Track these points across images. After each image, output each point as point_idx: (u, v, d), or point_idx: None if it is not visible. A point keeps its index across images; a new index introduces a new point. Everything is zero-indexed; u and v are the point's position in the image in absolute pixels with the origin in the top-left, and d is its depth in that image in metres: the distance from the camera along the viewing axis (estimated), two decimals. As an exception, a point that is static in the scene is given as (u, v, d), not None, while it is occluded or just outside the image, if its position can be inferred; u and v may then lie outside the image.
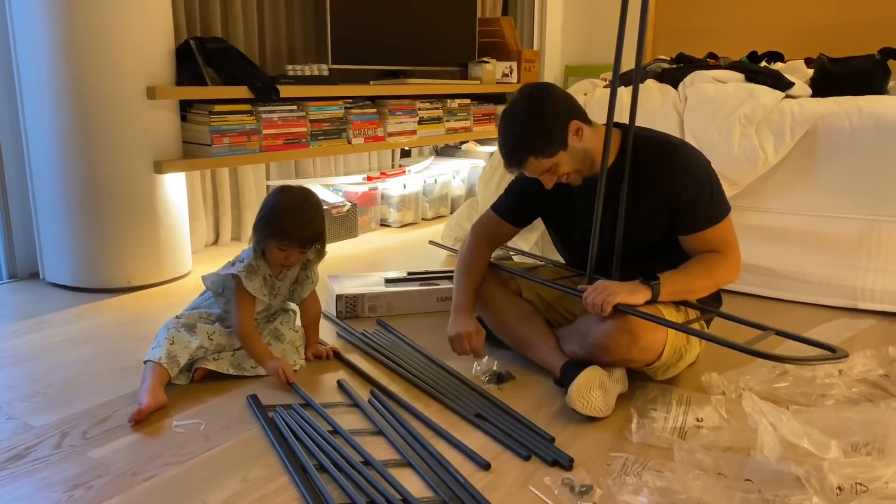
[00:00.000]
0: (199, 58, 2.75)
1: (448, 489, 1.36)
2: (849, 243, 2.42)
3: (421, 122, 3.64)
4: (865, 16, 4.13)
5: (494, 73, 4.09)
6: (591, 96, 2.82)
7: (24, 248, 2.77)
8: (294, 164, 3.60)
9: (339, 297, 2.35)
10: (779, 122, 2.47)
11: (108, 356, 2.02)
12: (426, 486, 1.38)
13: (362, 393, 1.79)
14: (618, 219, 1.76)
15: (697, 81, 2.66)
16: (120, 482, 1.40)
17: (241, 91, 2.82)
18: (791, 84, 2.60)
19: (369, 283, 2.46)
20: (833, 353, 1.49)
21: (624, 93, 2.57)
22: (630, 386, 1.76)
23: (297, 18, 3.47)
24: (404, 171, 3.94)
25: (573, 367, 1.70)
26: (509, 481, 1.41)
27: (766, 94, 2.51)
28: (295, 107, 3.05)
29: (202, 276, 1.96)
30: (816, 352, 1.51)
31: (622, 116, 1.84)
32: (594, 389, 1.63)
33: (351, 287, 2.40)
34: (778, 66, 3.08)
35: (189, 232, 2.83)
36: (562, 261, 2.11)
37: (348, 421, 1.64)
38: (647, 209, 1.75)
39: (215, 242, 3.31)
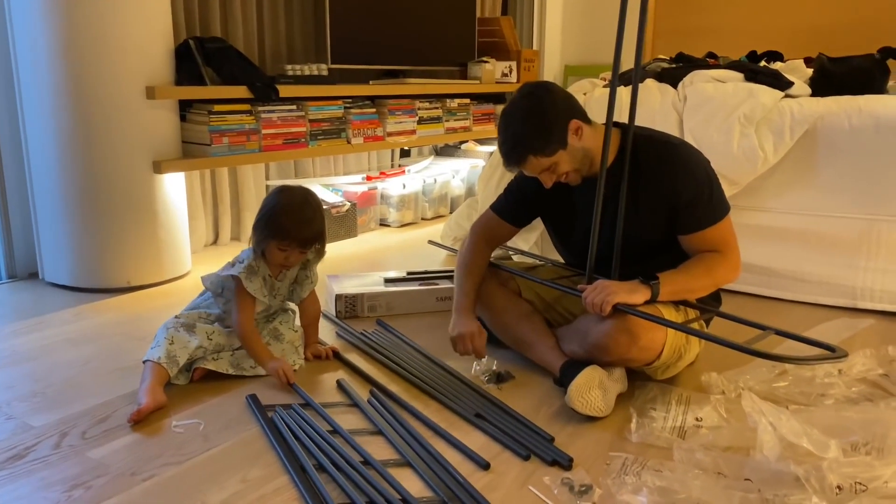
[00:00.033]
0: (199, 58, 2.75)
1: (447, 489, 1.36)
2: (848, 243, 2.42)
3: (420, 121, 3.64)
4: (865, 15, 4.13)
5: (494, 73, 4.09)
6: (591, 96, 2.82)
7: (23, 248, 2.77)
8: (293, 164, 3.60)
9: (338, 297, 2.34)
10: (778, 122, 2.47)
11: (107, 356, 2.02)
12: (425, 486, 1.38)
13: (362, 393, 1.79)
14: (617, 218, 1.76)
15: (697, 81, 2.66)
16: (119, 482, 1.40)
17: (241, 91, 2.82)
18: (790, 83, 2.60)
19: (369, 283, 2.45)
20: (832, 352, 1.49)
21: (623, 92, 2.57)
22: (629, 385, 1.76)
23: (296, 18, 3.47)
24: (404, 171, 3.94)
25: (572, 367, 1.70)
26: (509, 481, 1.41)
27: (766, 94, 2.51)
28: (294, 107, 3.05)
29: (201, 277, 1.95)
30: (816, 351, 1.51)
31: (621, 116, 1.84)
32: (593, 389, 1.63)
33: (350, 287, 2.40)
34: (777, 65, 3.08)
35: (188, 232, 2.83)
36: (561, 260, 2.11)
37: (348, 421, 1.64)
38: (647, 209, 1.75)
39: (215, 242, 3.31)
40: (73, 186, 2.50)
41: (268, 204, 1.85)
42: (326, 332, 2.19)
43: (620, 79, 2.26)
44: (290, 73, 3.14)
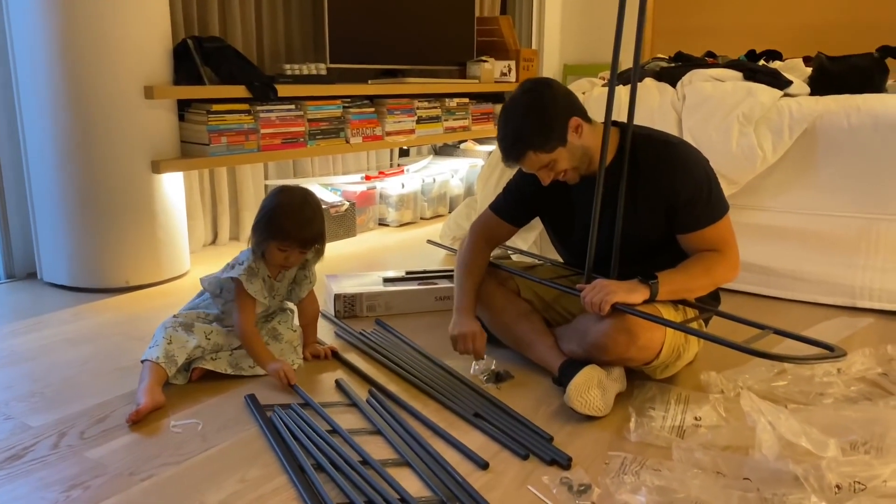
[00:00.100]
0: (197, 57, 2.75)
1: (446, 488, 1.36)
2: (847, 242, 2.42)
3: (419, 121, 3.63)
4: (863, 14, 4.14)
5: (493, 73, 4.09)
6: (590, 95, 2.82)
7: (21, 248, 2.77)
8: (292, 164, 3.60)
9: (337, 297, 2.34)
10: (777, 121, 2.47)
11: (105, 356, 2.02)
12: (424, 486, 1.38)
13: (360, 392, 1.79)
14: (616, 217, 1.76)
15: (696, 80, 2.66)
16: (117, 482, 1.40)
17: (239, 90, 2.82)
18: (789, 82, 2.60)
19: (367, 283, 2.45)
20: (831, 351, 1.48)
21: (622, 91, 2.57)
22: (628, 385, 1.76)
23: (294, 17, 3.47)
24: (403, 171, 3.93)
25: (571, 366, 1.70)
26: (507, 480, 1.41)
27: (765, 93, 2.51)
28: (293, 106, 3.05)
29: (200, 279, 1.95)
30: (815, 350, 1.51)
31: (620, 115, 1.83)
32: (592, 388, 1.63)
33: (349, 286, 2.40)
34: (776, 64, 3.08)
35: (187, 232, 2.83)
36: (560, 260, 2.10)
37: (346, 420, 1.64)
38: (646, 208, 1.75)
39: (213, 242, 3.31)
40: (71, 186, 2.50)
41: (267, 205, 1.85)
42: (325, 332, 2.19)
43: (619, 78, 2.26)
44: (289, 72, 3.13)
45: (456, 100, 3.88)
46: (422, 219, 3.92)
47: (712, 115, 2.53)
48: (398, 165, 4.15)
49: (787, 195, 2.51)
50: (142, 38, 2.50)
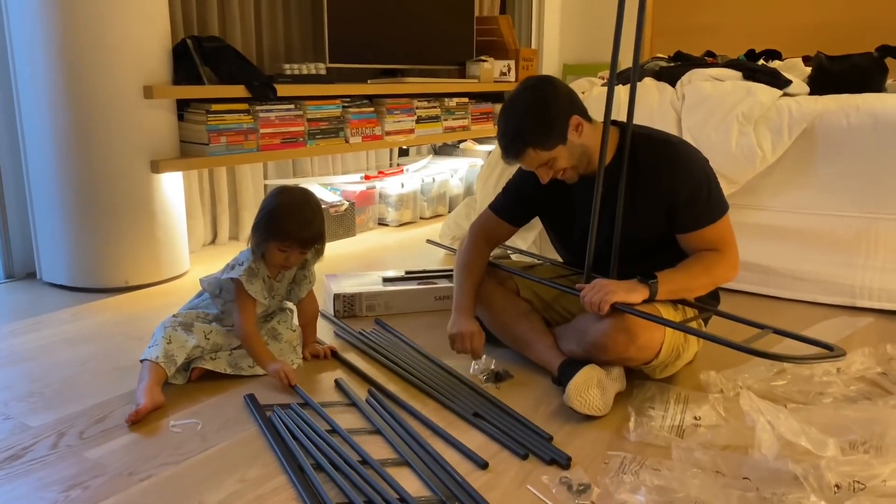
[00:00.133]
0: (196, 57, 2.74)
1: (446, 488, 1.36)
2: (847, 241, 2.42)
3: (419, 120, 3.63)
4: (863, 14, 4.14)
5: (492, 72, 4.09)
6: (589, 94, 2.82)
7: (20, 248, 2.77)
8: (291, 164, 3.59)
9: (336, 297, 2.34)
10: (776, 120, 2.47)
11: (105, 356, 2.02)
12: (424, 486, 1.38)
13: (360, 392, 1.79)
14: (616, 217, 1.75)
15: (695, 79, 2.66)
16: (117, 482, 1.40)
17: (239, 90, 2.82)
18: (789, 82, 2.60)
19: (367, 283, 2.45)
20: (831, 351, 1.48)
21: (621, 91, 2.57)
22: (628, 384, 1.76)
23: (294, 17, 3.47)
24: (402, 170, 3.93)
25: (571, 366, 1.70)
26: (507, 480, 1.41)
27: (764, 92, 2.51)
28: (292, 106, 3.05)
29: (200, 279, 1.95)
30: (814, 350, 1.51)
31: (620, 115, 1.83)
32: (592, 388, 1.63)
33: (349, 286, 2.40)
34: (775, 64, 3.08)
35: (186, 231, 2.83)
36: (560, 259, 2.10)
37: (346, 420, 1.63)
38: (645, 207, 1.75)
39: (213, 242, 3.31)
40: (70, 186, 2.50)
41: (267, 205, 1.85)
42: (324, 332, 2.19)
43: (619, 77, 2.25)
44: (288, 72, 3.13)
45: (455, 99, 3.88)
46: (421, 218, 3.92)
47: (712, 115, 2.53)
48: (397, 165, 4.15)
49: (787, 195, 2.51)
50: (141, 38, 2.50)
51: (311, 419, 1.61)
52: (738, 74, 2.66)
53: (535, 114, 1.68)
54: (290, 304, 2.07)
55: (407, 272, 2.57)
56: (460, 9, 4.00)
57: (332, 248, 3.13)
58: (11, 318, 2.33)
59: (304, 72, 3.17)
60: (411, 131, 3.60)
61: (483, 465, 1.45)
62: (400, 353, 2.02)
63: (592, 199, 1.75)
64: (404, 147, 4.16)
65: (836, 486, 1.27)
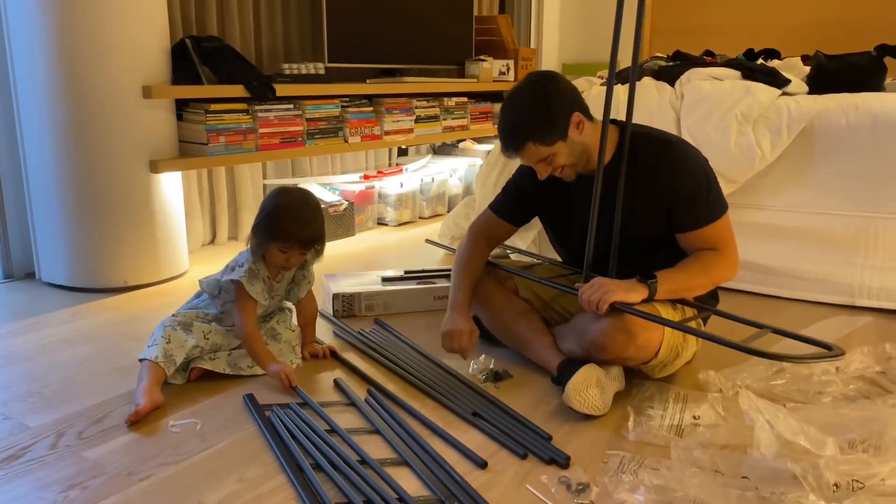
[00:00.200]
0: (195, 57, 2.74)
1: (445, 488, 1.36)
2: (846, 240, 2.42)
3: (418, 120, 3.63)
4: (862, 13, 4.14)
5: (491, 72, 4.09)
6: (588, 94, 2.81)
7: (20, 248, 2.76)
8: (291, 163, 3.59)
9: (335, 296, 2.34)
10: (775, 120, 2.47)
11: (104, 356, 2.02)
12: (423, 485, 1.38)
13: (359, 392, 1.79)
14: (615, 216, 1.75)
15: (694, 79, 2.66)
16: (116, 482, 1.40)
17: (238, 90, 2.82)
18: (788, 81, 2.60)
19: (366, 282, 2.45)
20: (829, 350, 1.48)
21: (621, 90, 2.57)
22: (627, 384, 1.76)
23: (293, 17, 3.47)
24: (401, 170, 3.93)
25: (570, 366, 1.70)
26: (506, 480, 1.41)
27: (763, 92, 2.51)
28: (291, 105, 3.04)
29: (200, 281, 1.95)
30: (813, 349, 1.51)
31: (619, 114, 1.83)
32: (591, 387, 1.63)
33: (348, 286, 2.40)
34: (774, 63, 3.08)
35: (185, 231, 2.83)
36: (559, 259, 2.10)
37: (345, 420, 1.63)
38: (645, 207, 1.75)
39: (212, 242, 3.31)
40: (69, 186, 2.50)
41: (267, 206, 1.85)
42: (324, 332, 2.19)
43: (618, 77, 2.25)
44: (287, 71, 3.13)
45: (454, 99, 3.88)
46: (420, 218, 3.92)
47: (711, 114, 2.53)
48: (397, 165, 4.15)
49: (786, 194, 2.51)
50: (140, 38, 2.50)
51: (310, 419, 1.61)
52: (737, 74, 2.67)
53: (536, 108, 1.68)
54: (289, 304, 2.07)
55: (406, 272, 2.57)
56: (459, 8, 4.00)
57: (331, 248, 3.12)
58: (10, 319, 2.33)
59: (303, 71, 3.17)
60: (410, 131, 3.60)
61: (482, 465, 1.45)
62: (399, 352, 2.02)
63: (591, 199, 1.75)
64: (403, 147, 4.16)
65: (835, 485, 1.27)
